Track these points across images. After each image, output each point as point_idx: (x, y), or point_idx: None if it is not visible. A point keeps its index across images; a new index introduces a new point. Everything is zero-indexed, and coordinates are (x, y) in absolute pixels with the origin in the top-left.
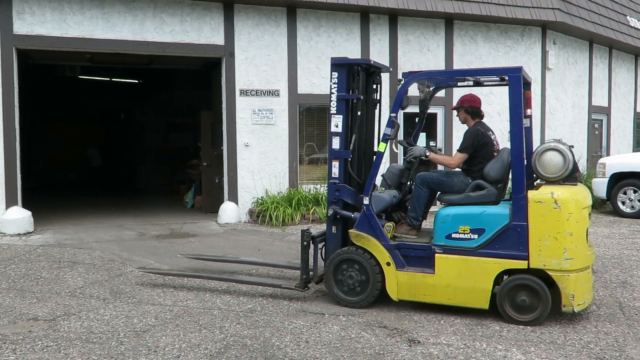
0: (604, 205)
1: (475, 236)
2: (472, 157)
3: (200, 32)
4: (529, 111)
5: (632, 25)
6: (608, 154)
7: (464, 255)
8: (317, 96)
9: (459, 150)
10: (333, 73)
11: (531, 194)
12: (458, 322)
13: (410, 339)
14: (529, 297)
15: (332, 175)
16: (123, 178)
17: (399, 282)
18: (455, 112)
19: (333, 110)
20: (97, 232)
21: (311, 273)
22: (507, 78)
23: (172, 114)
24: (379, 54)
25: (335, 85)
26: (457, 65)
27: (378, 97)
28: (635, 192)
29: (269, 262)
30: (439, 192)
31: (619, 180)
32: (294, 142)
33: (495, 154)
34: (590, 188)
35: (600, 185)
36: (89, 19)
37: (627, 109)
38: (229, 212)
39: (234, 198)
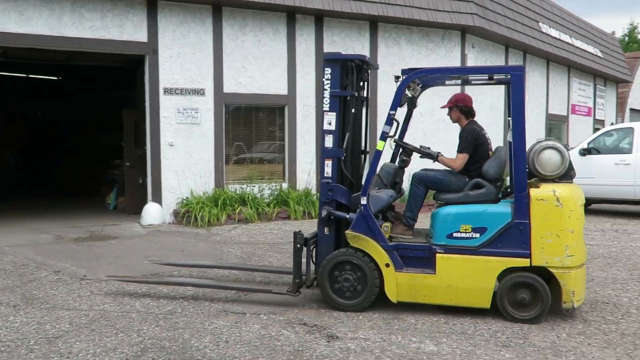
0: None
1: (477, 235)
2: (470, 156)
3: (122, 28)
4: None
5: (544, 31)
6: None
7: (465, 254)
8: (244, 95)
9: (459, 152)
10: (326, 69)
11: (533, 192)
12: (376, 317)
13: (329, 335)
14: (529, 295)
15: (325, 175)
16: (43, 179)
17: (399, 283)
18: (446, 111)
19: (326, 107)
20: (11, 236)
21: (304, 277)
22: (509, 77)
23: (96, 113)
24: (305, 54)
25: (329, 82)
26: (381, 66)
27: (366, 95)
28: None
29: (250, 267)
30: (434, 191)
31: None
32: (220, 142)
33: (490, 152)
34: None
35: None
36: (1, 12)
37: (539, 110)
38: (152, 213)
39: (157, 199)
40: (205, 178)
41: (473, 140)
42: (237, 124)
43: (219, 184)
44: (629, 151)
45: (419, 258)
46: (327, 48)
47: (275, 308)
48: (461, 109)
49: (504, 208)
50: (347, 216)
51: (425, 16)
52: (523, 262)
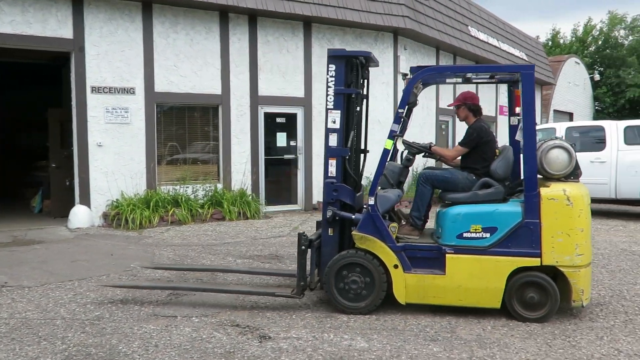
0: None
1: (488, 235)
2: (476, 154)
3: (45, 24)
4: (517, 109)
5: (473, 34)
6: None
7: (476, 254)
8: (176, 95)
9: (460, 144)
10: (330, 65)
11: (544, 191)
12: (309, 316)
13: (261, 335)
14: (538, 294)
15: (329, 174)
16: None
17: (408, 285)
18: (454, 109)
19: (330, 105)
20: None
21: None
22: (519, 76)
23: (20, 112)
24: (238, 53)
25: (333, 79)
26: (315, 67)
27: (366, 92)
28: None
29: (255, 270)
30: (440, 191)
31: None
32: (152, 142)
33: (497, 151)
34: None
35: None
36: None
37: None
38: (80, 216)
39: (86, 201)
40: (137, 179)
41: (477, 139)
42: (170, 124)
43: (151, 185)
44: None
45: (427, 259)
46: (261, 48)
47: (207, 310)
48: (470, 107)
49: (515, 207)
50: (353, 217)
51: (358, 18)
52: (533, 262)
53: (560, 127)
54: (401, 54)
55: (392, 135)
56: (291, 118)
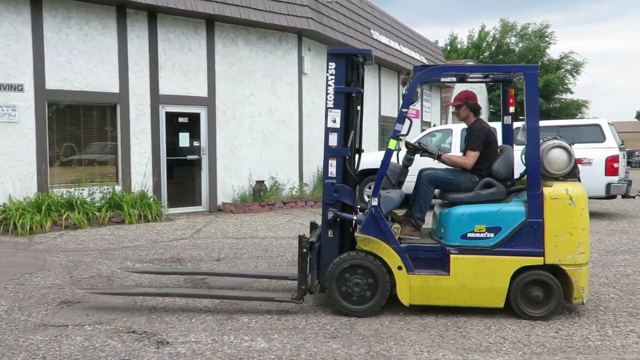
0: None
1: (492, 235)
2: (480, 155)
3: None
4: (511, 109)
5: (376, 38)
6: None
7: (480, 254)
8: (70, 92)
9: (471, 149)
10: (330, 63)
11: (547, 190)
12: (209, 319)
13: (159, 341)
14: (542, 292)
15: (329, 175)
16: None
17: (411, 286)
18: (452, 109)
19: (330, 104)
20: None
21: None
22: (523, 76)
23: None
24: (138, 50)
25: (333, 77)
26: (219, 66)
27: (362, 90)
28: None
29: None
30: (439, 191)
31: (365, 176)
32: (43, 143)
33: (498, 151)
34: None
35: None
36: None
37: (373, 112)
38: None
39: None
40: (27, 182)
41: (485, 138)
42: (64, 124)
43: (43, 188)
44: (449, 150)
45: (431, 259)
46: (162, 45)
47: (102, 316)
48: (471, 106)
49: (518, 207)
50: (355, 218)
51: (262, 18)
52: (537, 261)
53: (456, 129)
54: (306, 55)
55: (396, 135)
56: (194, 118)
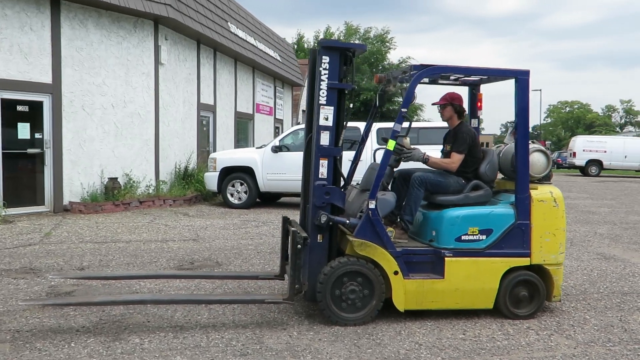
0: (215, 198)
1: (484, 237)
2: (466, 158)
3: None
4: (479, 112)
5: (233, 31)
6: (215, 150)
7: (473, 257)
8: None
9: (457, 152)
10: (324, 57)
11: (534, 193)
12: (92, 341)
13: None
14: (529, 292)
15: (320, 176)
16: None
17: (407, 291)
18: (437, 108)
19: (322, 100)
20: None
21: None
22: (515, 80)
23: None
24: None
25: (326, 72)
26: (65, 50)
27: (355, 87)
28: (241, 184)
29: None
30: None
31: (228, 173)
32: None
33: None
34: (202, 182)
35: (212, 179)
36: None
37: (229, 107)
38: None
39: None
40: None
41: (470, 142)
42: None
43: None
44: None
45: (424, 263)
46: None
47: None
48: (456, 108)
49: (508, 209)
50: (348, 221)
51: (115, 0)
52: (524, 262)
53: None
54: (162, 44)
55: (395, 136)
56: (36, 107)
